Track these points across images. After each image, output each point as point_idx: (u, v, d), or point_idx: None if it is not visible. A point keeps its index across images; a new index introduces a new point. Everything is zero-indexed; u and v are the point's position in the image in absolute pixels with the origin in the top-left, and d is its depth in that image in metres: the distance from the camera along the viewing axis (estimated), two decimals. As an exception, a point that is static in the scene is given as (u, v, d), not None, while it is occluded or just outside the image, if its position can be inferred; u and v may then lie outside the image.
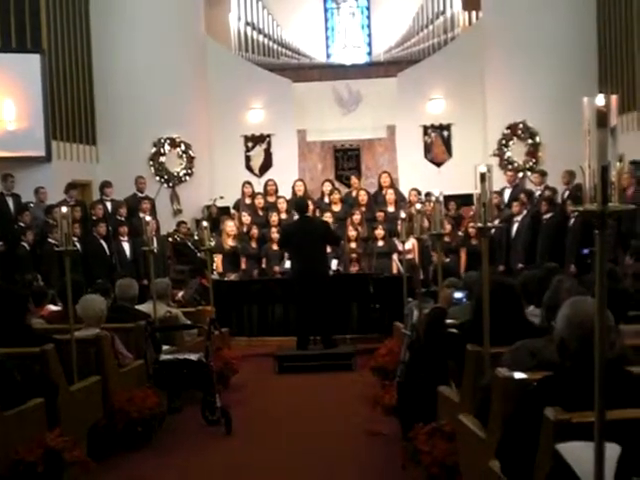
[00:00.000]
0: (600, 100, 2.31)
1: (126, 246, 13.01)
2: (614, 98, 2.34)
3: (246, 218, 13.35)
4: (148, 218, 9.22)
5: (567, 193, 12.76)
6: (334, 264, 11.93)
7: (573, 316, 3.19)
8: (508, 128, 15.87)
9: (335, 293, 10.68)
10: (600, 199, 2.32)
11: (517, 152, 15.88)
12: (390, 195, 13.57)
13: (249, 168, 16.95)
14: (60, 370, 5.66)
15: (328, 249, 11.20)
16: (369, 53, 19.22)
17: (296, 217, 12.13)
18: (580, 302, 3.25)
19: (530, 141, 15.79)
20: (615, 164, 2.41)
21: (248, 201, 14.08)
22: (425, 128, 16.79)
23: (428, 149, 16.83)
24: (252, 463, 6.16)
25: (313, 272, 10.33)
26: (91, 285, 8.83)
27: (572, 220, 11.67)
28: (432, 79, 16.64)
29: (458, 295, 6.85)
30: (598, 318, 2.46)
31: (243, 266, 12.95)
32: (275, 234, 12.68)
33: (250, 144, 17.06)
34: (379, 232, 12.66)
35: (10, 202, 12.83)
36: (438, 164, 16.76)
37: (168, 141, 15.99)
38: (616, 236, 10.29)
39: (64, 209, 6.39)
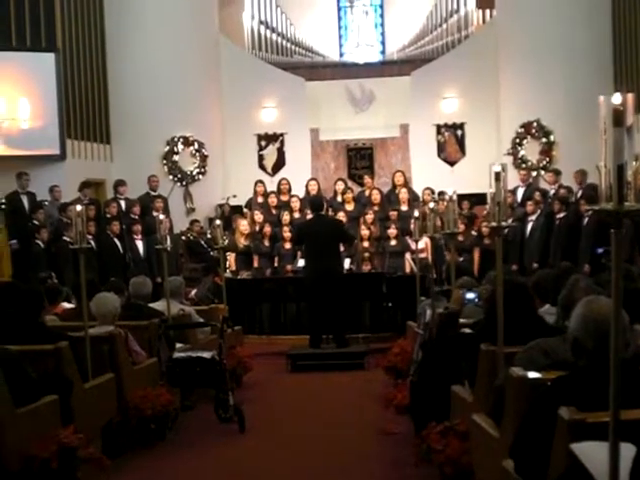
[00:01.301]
0: (616, 99, 2.30)
1: (140, 244, 13.06)
2: (630, 97, 2.33)
3: (258, 217, 13.35)
4: (162, 216, 9.23)
5: (580, 192, 12.72)
6: (347, 263, 11.92)
7: (588, 315, 3.18)
8: (522, 127, 15.83)
9: (348, 292, 10.67)
10: (616, 198, 2.32)
11: (531, 151, 15.84)
12: (403, 194, 13.54)
13: (262, 167, 16.98)
14: (74, 367, 5.68)
15: (341, 248, 11.20)
16: (382, 52, 19.22)
17: (309, 216, 12.16)
18: (595, 301, 3.24)
19: (544, 140, 15.74)
20: (631, 163, 2.41)
21: (260, 200, 14.09)
22: (438, 127, 16.77)
23: (441, 148, 16.80)
24: (265, 461, 6.16)
25: (326, 271, 10.32)
26: (105, 283, 8.87)
27: (586, 219, 11.63)
28: (445, 78, 16.61)
29: (470, 296, 6.84)
30: (613, 318, 2.45)
31: (256, 264, 12.96)
32: (287, 233, 12.68)
33: (263, 143, 17.08)
34: (392, 231, 12.64)
35: (25, 200, 12.88)
36: (451, 163, 16.74)
37: (181, 140, 16.04)
38: (632, 236, 10.25)
39: (79, 207, 6.40)
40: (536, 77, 15.37)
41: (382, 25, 19.37)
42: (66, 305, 8.18)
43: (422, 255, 11.12)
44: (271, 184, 14.84)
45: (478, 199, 13.74)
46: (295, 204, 13.38)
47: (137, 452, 6.26)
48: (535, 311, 4.92)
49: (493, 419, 4.12)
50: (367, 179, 14.61)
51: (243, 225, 13.23)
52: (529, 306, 4.79)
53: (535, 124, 15.72)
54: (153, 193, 14.50)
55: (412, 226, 10.76)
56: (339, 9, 19.43)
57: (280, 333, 11.69)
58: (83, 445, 5.03)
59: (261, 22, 18.38)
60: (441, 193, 12.99)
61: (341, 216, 12.66)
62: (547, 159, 15.74)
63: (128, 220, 13.23)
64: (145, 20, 15.75)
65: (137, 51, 15.73)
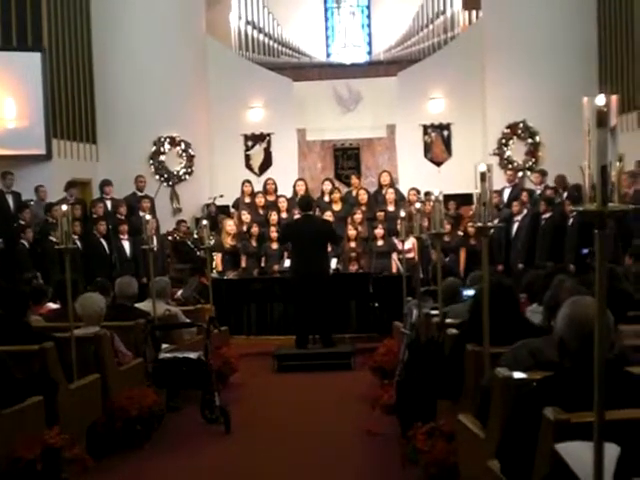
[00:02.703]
0: (600, 100, 2.31)
1: (126, 244, 13.01)
2: (614, 98, 2.34)
3: (246, 217, 13.33)
4: (148, 217, 9.21)
5: (566, 193, 12.77)
6: (333, 263, 11.91)
7: (573, 316, 3.19)
8: (508, 127, 15.89)
9: (334, 292, 10.66)
10: (600, 199, 2.32)
11: (517, 151, 15.91)
12: (390, 194, 13.54)
13: (249, 167, 16.97)
14: (59, 368, 5.66)
15: (328, 248, 11.19)
16: (369, 52, 19.25)
17: (296, 216, 12.16)
18: (580, 302, 3.25)
19: (530, 140, 15.81)
20: (615, 164, 2.41)
21: (247, 200, 14.07)
22: (425, 127, 16.80)
23: (428, 148, 16.84)
24: (251, 462, 6.16)
25: (313, 271, 10.30)
26: (91, 283, 8.84)
27: (571, 220, 11.66)
28: (432, 78, 16.65)
29: (469, 292, 6.84)
30: (598, 318, 2.46)
31: (243, 264, 12.94)
32: (274, 233, 12.66)
33: (250, 143, 17.08)
34: (379, 231, 12.64)
35: (10, 200, 12.81)
36: (438, 163, 16.77)
37: (168, 140, 16.01)
38: (616, 236, 10.28)
39: (64, 207, 6.39)
40: (522, 78, 15.42)
41: (369, 26, 19.40)
42: (51, 305, 8.15)
43: (409, 255, 11.14)
44: (258, 184, 14.82)
45: (464, 199, 13.78)
46: (282, 204, 13.37)
47: (122, 453, 6.24)
48: (519, 312, 4.92)
49: (479, 419, 4.13)
50: (354, 179, 14.59)
51: (229, 225, 13.20)
52: (513, 307, 4.80)
53: (521, 125, 15.79)
54: (140, 193, 14.46)
55: (399, 226, 10.78)
56: (326, 10, 19.45)
57: (266, 333, 11.65)
58: (68, 446, 5.02)
59: (248, 22, 18.38)
60: (427, 193, 13.01)
61: (328, 216, 12.66)
62: (533, 160, 15.81)
63: (114, 220, 13.19)
64: (132, 20, 15.70)
65: (124, 51, 15.68)
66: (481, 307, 4.63)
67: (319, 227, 10.78)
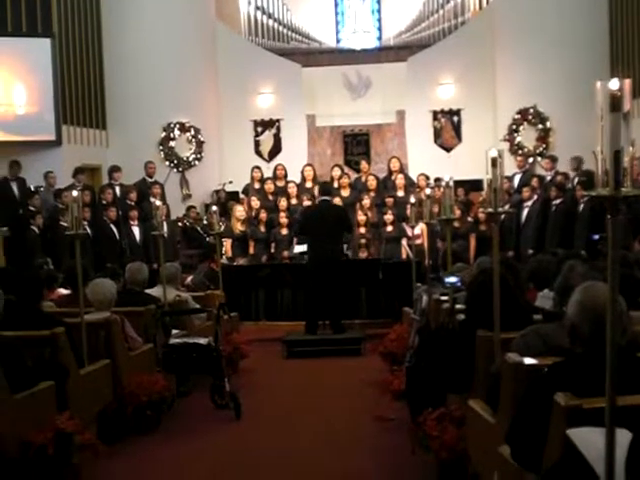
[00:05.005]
0: (614, 84, 2.29)
1: (136, 230, 13.02)
2: (628, 82, 2.33)
3: (255, 202, 13.32)
4: (158, 202, 9.22)
5: (577, 179, 12.72)
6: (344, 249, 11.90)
7: (585, 302, 3.18)
8: (518, 113, 15.83)
9: (344, 278, 10.66)
10: (613, 184, 2.31)
11: (527, 137, 15.85)
12: (400, 180, 13.51)
13: (258, 153, 16.96)
14: (70, 353, 5.68)
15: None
16: (379, 38, 19.18)
17: (305, 202, 12.16)
18: (592, 287, 3.24)
19: (540, 126, 15.75)
20: (628, 149, 2.40)
21: (257, 186, 14.06)
22: (435, 113, 16.75)
23: (438, 134, 16.79)
24: (261, 447, 6.17)
25: (331, 256, 10.30)
26: (101, 269, 8.85)
27: (582, 206, 11.62)
28: (442, 64, 16.58)
29: (451, 280, 6.81)
30: (610, 304, 2.45)
31: (252, 250, 12.94)
32: (284, 219, 12.66)
33: (259, 129, 17.06)
34: (388, 217, 12.62)
35: (14, 187, 12.80)
36: (448, 149, 16.72)
37: (178, 126, 16.01)
38: (627, 222, 10.24)
39: (75, 193, 6.39)
40: (532, 63, 15.35)
41: (379, 11, 19.33)
42: (62, 291, 8.17)
43: (418, 241, 11.11)
44: (267, 170, 14.81)
45: (473, 185, 13.75)
46: (292, 190, 13.34)
47: (133, 438, 6.27)
48: (516, 298, 4.89)
49: (489, 405, 4.12)
50: (364, 165, 14.54)
51: (239, 211, 13.19)
52: (508, 294, 4.74)
53: (532, 110, 15.72)
54: (150, 179, 14.46)
55: (408, 212, 10.75)
56: (336, -5, 19.39)
57: (276, 319, 11.66)
58: (79, 431, 5.04)
59: (258, 8, 18.32)
60: (437, 179, 12.97)
61: (337, 202, 12.64)
62: (544, 145, 15.76)
63: (124, 206, 13.20)
64: (141, 6, 15.69)
65: (133, 36, 15.66)
66: (474, 296, 4.73)
67: (337, 213, 10.79)
